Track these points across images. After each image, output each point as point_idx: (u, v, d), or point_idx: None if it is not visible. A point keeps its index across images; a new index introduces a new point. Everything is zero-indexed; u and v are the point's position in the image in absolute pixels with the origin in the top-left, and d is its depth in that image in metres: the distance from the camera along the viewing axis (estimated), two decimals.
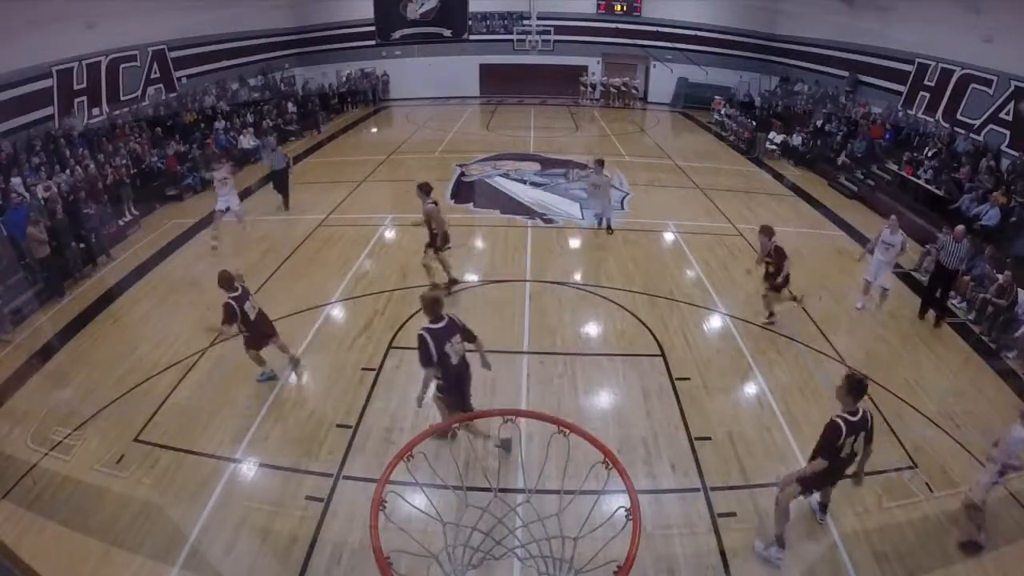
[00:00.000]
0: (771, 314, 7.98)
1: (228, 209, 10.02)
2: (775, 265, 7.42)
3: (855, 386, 4.11)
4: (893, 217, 8.38)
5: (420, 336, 4.70)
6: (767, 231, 7.35)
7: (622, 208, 12.50)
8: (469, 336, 5.00)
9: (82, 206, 10.15)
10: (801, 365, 7.10)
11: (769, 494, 5.12)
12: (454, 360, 4.84)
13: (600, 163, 10.71)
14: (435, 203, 7.96)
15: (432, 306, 4.84)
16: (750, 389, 6.68)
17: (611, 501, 3.57)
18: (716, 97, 21.88)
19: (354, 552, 4.53)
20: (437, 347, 4.68)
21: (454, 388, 5.06)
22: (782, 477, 4.58)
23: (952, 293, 8.76)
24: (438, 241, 8.03)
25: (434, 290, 4.86)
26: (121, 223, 11.08)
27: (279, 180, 11.97)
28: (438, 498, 4.18)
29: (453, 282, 8.50)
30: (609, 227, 10.71)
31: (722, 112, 20.89)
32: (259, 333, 6.24)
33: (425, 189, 7.89)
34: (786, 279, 7.46)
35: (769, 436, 5.88)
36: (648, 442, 5.76)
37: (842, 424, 4.03)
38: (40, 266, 8.66)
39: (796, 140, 16.84)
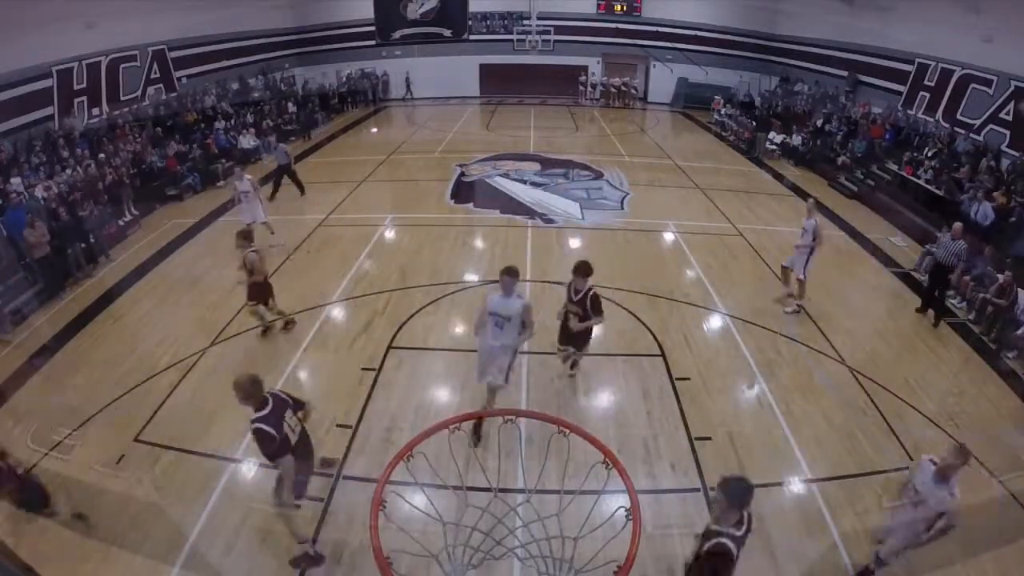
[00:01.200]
0: (573, 365, 6.53)
1: (254, 221, 9.83)
2: (581, 316, 5.80)
3: (743, 494, 3.10)
4: (810, 200, 8.24)
5: (257, 431, 3.91)
6: (583, 271, 5.51)
7: (622, 208, 12.51)
8: (299, 404, 4.34)
9: (81, 206, 10.15)
10: (801, 365, 7.10)
11: (770, 494, 5.13)
12: (294, 439, 4.16)
13: (512, 273, 5.15)
14: (256, 251, 7.01)
15: (252, 390, 4.01)
16: (750, 389, 6.67)
17: (611, 501, 3.57)
18: (716, 97, 21.90)
19: (354, 552, 4.53)
20: (278, 433, 3.97)
21: (301, 461, 4.27)
22: None
23: (952, 293, 8.78)
24: (257, 293, 7.11)
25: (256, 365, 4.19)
26: (121, 223, 11.08)
27: (286, 174, 12.67)
28: (438, 498, 4.18)
29: (289, 322, 7.59)
30: (492, 394, 5.70)
31: (722, 112, 20.90)
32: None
33: (246, 236, 7.04)
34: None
35: (769, 436, 5.87)
36: (648, 442, 5.76)
37: (732, 546, 3.08)
38: (39, 266, 8.66)
39: (796, 140, 16.84)
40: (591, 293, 5.69)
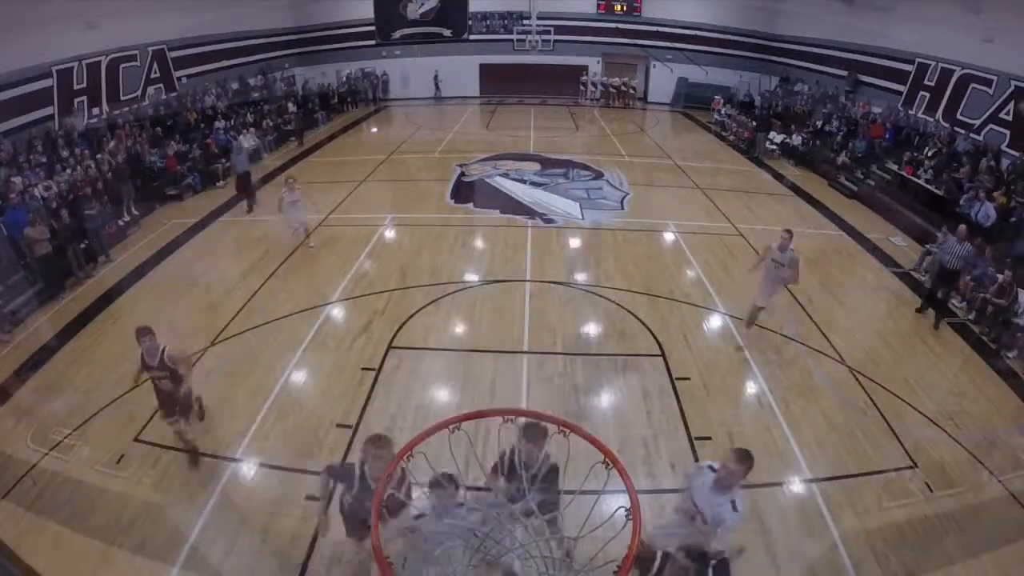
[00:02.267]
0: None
1: (300, 227, 9.90)
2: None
3: None
4: (785, 233, 6.82)
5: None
6: (539, 436, 3.62)
7: (622, 208, 12.51)
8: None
9: (82, 205, 10.14)
10: (801, 365, 7.10)
11: (769, 493, 5.13)
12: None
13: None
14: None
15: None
16: (750, 389, 6.67)
17: (611, 501, 3.56)
18: (716, 97, 21.88)
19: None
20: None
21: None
22: None
23: (952, 293, 8.78)
24: (178, 403, 5.21)
25: None
26: (121, 223, 11.07)
27: (243, 183, 12.15)
28: None
29: (195, 455, 5.46)
30: None
31: (722, 112, 20.89)
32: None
33: (147, 331, 5.05)
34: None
35: (769, 436, 5.87)
36: (648, 442, 5.77)
37: None
38: (40, 265, 8.67)
39: (796, 140, 16.83)
40: (551, 465, 3.72)
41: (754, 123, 18.80)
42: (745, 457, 3.36)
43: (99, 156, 12.17)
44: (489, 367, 6.88)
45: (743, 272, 8.77)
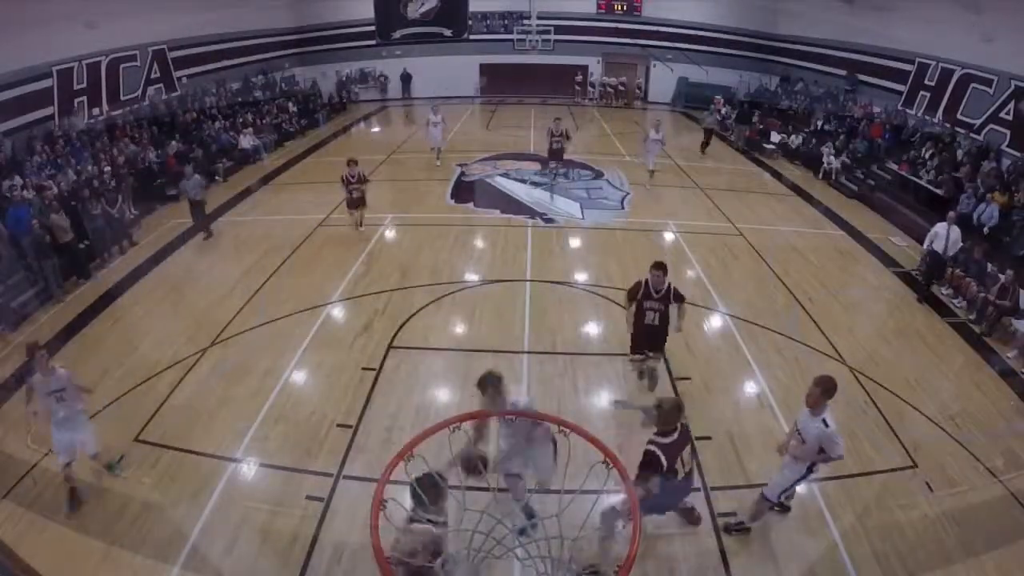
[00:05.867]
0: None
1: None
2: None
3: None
4: (657, 119, 11.38)
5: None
6: None
7: (622, 207, 12.50)
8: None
9: (87, 204, 10.14)
10: (801, 365, 7.09)
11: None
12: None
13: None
14: None
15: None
16: (750, 389, 6.67)
17: (611, 501, 3.57)
18: (717, 96, 21.85)
19: (355, 552, 4.53)
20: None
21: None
22: None
23: (951, 292, 8.82)
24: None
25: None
26: (130, 215, 11.03)
27: (195, 211, 10.72)
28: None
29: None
30: None
31: (723, 111, 20.85)
32: None
33: None
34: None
35: (770, 436, 5.86)
36: None
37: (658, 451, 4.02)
38: (62, 252, 8.89)
39: (796, 140, 16.82)
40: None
41: (758, 124, 18.79)
42: (815, 380, 4.17)
43: (99, 156, 12.16)
44: (489, 367, 6.86)
45: (743, 272, 8.78)
